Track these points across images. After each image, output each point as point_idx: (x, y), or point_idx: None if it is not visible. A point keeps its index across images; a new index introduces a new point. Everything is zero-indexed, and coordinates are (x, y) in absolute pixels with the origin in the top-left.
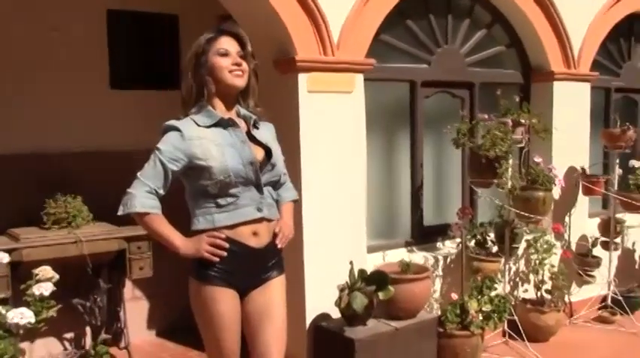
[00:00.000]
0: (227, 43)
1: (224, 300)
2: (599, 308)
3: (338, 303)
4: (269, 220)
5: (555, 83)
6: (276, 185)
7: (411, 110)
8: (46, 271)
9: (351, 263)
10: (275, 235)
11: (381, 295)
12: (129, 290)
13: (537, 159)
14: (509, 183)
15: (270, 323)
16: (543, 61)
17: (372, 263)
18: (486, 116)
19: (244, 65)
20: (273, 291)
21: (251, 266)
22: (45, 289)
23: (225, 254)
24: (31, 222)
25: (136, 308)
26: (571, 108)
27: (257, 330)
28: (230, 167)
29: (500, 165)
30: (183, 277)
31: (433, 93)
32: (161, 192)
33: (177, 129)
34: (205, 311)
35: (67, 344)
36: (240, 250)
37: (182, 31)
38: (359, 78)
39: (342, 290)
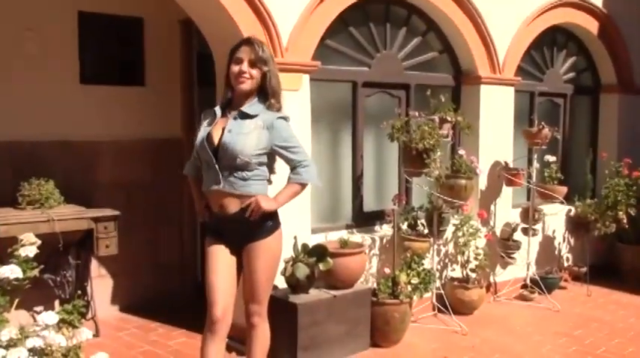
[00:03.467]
0: (243, 52)
1: (211, 248)
2: (521, 288)
3: (283, 273)
4: (235, 195)
5: (482, 86)
6: (238, 165)
7: (352, 108)
8: (29, 237)
9: (295, 238)
10: (244, 207)
11: (321, 266)
12: (95, 268)
13: (461, 152)
14: (436, 172)
15: (255, 273)
16: (472, 66)
17: (315, 242)
18: (417, 113)
19: (253, 71)
20: (261, 249)
21: (228, 228)
22: (30, 251)
23: (207, 217)
24: (7, 204)
25: (101, 285)
26: (496, 108)
27: (245, 278)
28: (197, 144)
29: (428, 156)
30: (147, 256)
31: (373, 93)
32: (198, 160)
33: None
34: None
35: (37, 316)
36: (214, 215)
37: (146, 33)
38: (305, 78)
39: (287, 261)
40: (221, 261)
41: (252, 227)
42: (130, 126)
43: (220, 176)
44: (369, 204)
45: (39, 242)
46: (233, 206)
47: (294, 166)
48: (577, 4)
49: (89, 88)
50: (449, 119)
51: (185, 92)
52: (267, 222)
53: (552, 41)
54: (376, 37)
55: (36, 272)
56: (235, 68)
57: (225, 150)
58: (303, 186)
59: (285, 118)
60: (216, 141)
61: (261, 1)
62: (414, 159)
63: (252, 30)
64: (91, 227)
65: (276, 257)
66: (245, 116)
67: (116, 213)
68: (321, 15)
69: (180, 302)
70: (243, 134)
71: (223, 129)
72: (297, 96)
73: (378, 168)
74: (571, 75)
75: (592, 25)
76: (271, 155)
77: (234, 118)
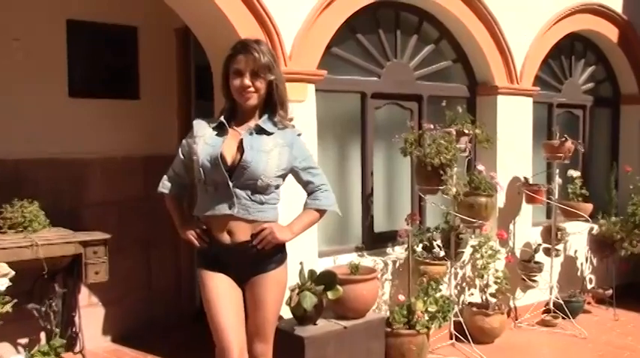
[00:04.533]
0: (241, 62)
1: (213, 282)
2: (543, 313)
3: (288, 303)
4: (248, 221)
5: (499, 97)
6: (257, 188)
7: (361, 120)
8: (1, 267)
9: (301, 263)
10: (254, 235)
11: (330, 295)
12: (85, 295)
13: (480, 167)
14: (454, 190)
15: (262, 310)
16: (488, 76)
17: (323, 267)
18: (432, 126)
19: (257, 83)
20: (269, 282)
21: (232, 259)
22: (1, 284)
23: (204, 244)
24: None
25: (91, 314)
26: (514, 121)
27: (250, 314)
28: (201, 161)
29: (445, 172)
30: (139, 283)
31: (383, 105)
32: (182, 178)
33: (193, 125)
34: (201, 290)
35: (20, 349)
36: (215, 243)
37: (141, 43)
38: (311, 88)
39: (292, 290)
40: (228, 297)
41: (260, 257)
42: (122, 141)
43: (235, 199)
44: (380, 225)
45: (12, 273)
46: (243, 233)
47: (312, 190)
48: (596, 10)
49: (78, 102)
50: (466, 132)
51: (182, 105)
52: (276, 254)
53: (570, 50)
54: (386, 44)
55: (8, 307)
56: (236, 82)
57: (245, 170)
58: (322, 213)
59: (300, 135)
60: (229, 158)
61: (263, 7)
62: (429, 176)
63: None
64: (78, 252)
65: (284, 289)
66: (262, 131)
67: (106, 236)
68: (327, 21)
69: (177, 330)
70: (264, 152)
71: (239, 147)
72: (302, 108)
73: (390, 185)
74: (590, 85)
75: (611, 33)
76: (284, 177)
77: (250, 133)
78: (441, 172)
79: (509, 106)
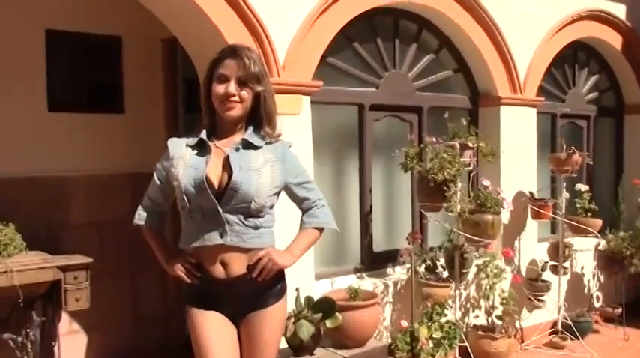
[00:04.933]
0: (227, 68)
1: (205, 323)
2: (550, 333)
3: (284, 332)
4: (243, 250)
5: (502, 108)
6: (251, 211)
7: (359, 134)
8: None
9: (297, 290)
10: (251, 266)
11: (328, 323)
12: (65, 322)
13: (486, 183)
14: (458, 207)
15: (260, 349)
16: (490, 86)
17: (320, 290)
18: (434, 139)
19: (243, 93)
20: (268, 318)
21: (227, 295)
22: None
23: (195, 280)
24: None
25: (72, 342)
26: (518, 132)
27: (245, 354)
28: (183, 187)
29: (448, 188)
30: (125, 309)
31: (382, 117)
32: (160, 206)
33: (168, 146)
34: (190, 332)
35: None
36: (208, 278)
37: (125, 54)
38: (305, 100)
39: (288, 318)
40: (222, 341)
41: (258, 290)
42: (105, 158)
43: (227, 226)
44: (380, 244)
45: None
46: (238, 265)
47: (308, 207)
48: (599, 18)
49: (58, 116)
50: (470, 145)
51: (169, 119)
52: (276, 285)
53: (573, 58)
54: (384, 54)
55: None
56: (220, 89)
57: (236, 192)
58: (321, 231)
59: (291, 146)
60: (215, 181)
61: (255, 14)
62: (431, 192)
63: None
64: (57, 278)
65: (283, 326)
66: (249, 146)
67: (88, 260)
68: (322, 29)
69: None
70: (254, 170)
71: (224, 166)
72: (296, 122)
73: (389, 202)
74: (594, 95)
75: (615, 40)
76: (278, 195)
77: (236, 149)
78: (445, 188)
79: (512, 117)
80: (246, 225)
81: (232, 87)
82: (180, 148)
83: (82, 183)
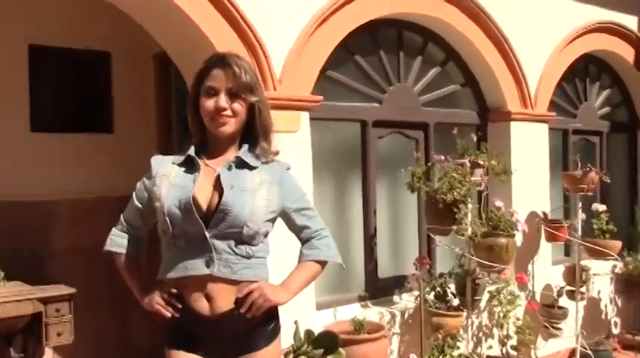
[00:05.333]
0: (215, 79)
1: None
2: None
3: None
4: (231, 281)
5: (513, 123)
6: (243, 237)
7: (362, 152)
8: None
9: (296, 323)
10: (240, 299)
11: None
12: (49, 356)
13: (498, 203)
14: (469, 230)
15: None
16: (500, 101)
17: (321, 321)
18: (442, 157)
19: (235, 106)
20: None
21: (212, 333)
22: None
23: (176, 313)
24: None
25: None
26: (530, 149)
27: None
28: (166, 207)
29: (458, 209)
30: (114, 341)
31: (386, 134)
32: (138, 230)
33: (151, 164)
34: None
35: None
36: (190, 314)
37: (114, 70)
38: (304, 116)
39: (286, 354)
40: None
41: (247, 329)
42: (93, 180)
43: (214, 254)
44: (386, 269)
45: None
46: (225, 298)
47: (308, 237)
48: (611, 29)
49: (42, 137)
50: (481, 163)
51: (162, 139)
52: (268, 324)
53: (584, 72)
54: (388, 67)
55: None
56: (209, 104)
57: (227, 215)
58: (323, 265)
59: (290, 169)
60: (204, 202)
61: (249, 24)
62: (440, 214)
63: None
64: (37, 310)
65: None
66: (243, 165)
67: (71, 290)
68: (322, 40)
69: None
70: (249, 191)
71: (215, 186)
72: (294, 140)
73: (395, 224)
74: (606, 110)
75: (627, 53)
76: (273, 222)
77: (229, 168)
78: (455, 210)
79: (523, 133)
80: (237, 254)
81: (223, 100)
82: (164, 166)
83: (67, 207)
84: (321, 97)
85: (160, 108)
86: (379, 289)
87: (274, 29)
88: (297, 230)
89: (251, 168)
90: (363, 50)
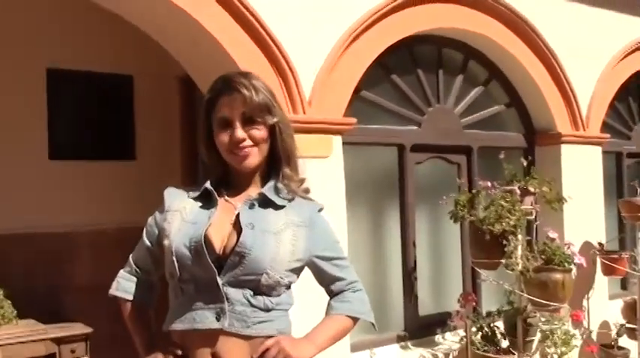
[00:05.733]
0: (225, 107)
1: None
2: None
3: None
4: (244, 337)
5: (563, 146)
6: (261, 287)
7: (400, 179)
8: None
9: None
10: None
11: None
12: None
13: (552, 234)
14: (520, 264)
15: None
16: (548, 122)
17: None
18: (489, 184)
19: (255, 132)
20: None
21: None
22: None
23: None
24: None
25: None
26: (582, 174)
27: None
28: (175, 248)
29: (508, 241)
30: None
31: (425, 159)
32: (149, 274)
33: (164, 197)
34: None
35: None
36: None
37: (137, 94)
38: (337, 141)
39: None
40: None
41: None
42: (114, 211)
43: (226, 305)
44: (427, 306)
45: None
46: (238, 357)
47: (339, 290)
48: None
49: (61, 165)
50: (532, 190)
51: (186, 166)
52: None
53: (638, 91)
54: (426, 87)
55: None
56: (224, 138)
57: (244, 258)
58: (355, 321)
59: (322, 210)
60: (218, 243)
61: (275, 40)
62: (487, 246)
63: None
64: (51, 351)
65: None
66: (268, 204)
67: (87, 330)
68: (355, 58)
69: None
70: (272, 233)
71: (234, 225)
72: (326, 166)
73: (436, 257)
74: None
75: None
76: (299, 272)
77: (250, 206)
78: (503, 241)
79: (575, 157)
80: (253, 305)
81: (239, 131)
82: (179, 199)
83: (87, 239)
84: (354, 120)
85: (184, 133)
86: (420, 328)
87: (303, 48)
88: (326, 281)
89: (277, 207)
90: (399, 68)
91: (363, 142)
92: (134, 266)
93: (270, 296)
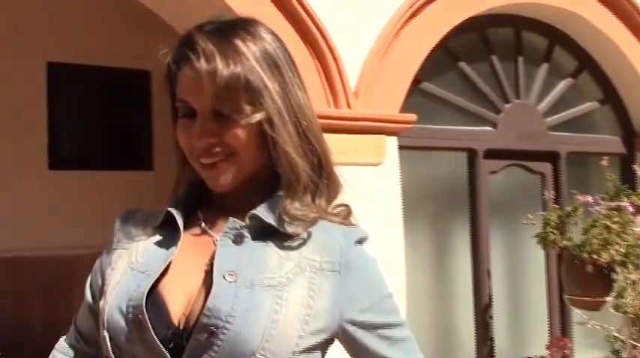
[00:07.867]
0: (188, 87)
1: None
2: None
3: None
4: None
5: None
6: None
7: (470, 191)
8: None
9: None
10: None
11: None
12: None
13: None
14: (634, 304)
15: None
16: None
17: None
18: (590, 198)
19: (226, 136)
20: None
21: None
22: None
23: None
24: None
25: None
26: None
27: None
28: (107, 315)
29: (616, 274)
30: None
31: (502, 168)
32: (92, 346)
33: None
34: None
35: None
36: None
37: (155, 92)
38: (391, 143)
39: None
40: None
41: None
42: None
43: None
44: (504, 349)
45: None
46: None
47: None
48: None
49: (63, 175)
50: None
51: None
52: None
53: None
54: (503, 78)
55: None
56: (183, 134)
57: (216, 339)
58: None
59: (363, 242)
60: (176, 308)
61: (315, 20)
62: (588, 280)
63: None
64: None
65: None
66: (265, 233)
67: None
68: (412, 40)
69: None
70: (267, 288)
71: (208, 272)
72: (377, 175)
73: (516, 289)
74: None
75: None
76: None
77: (235, 239)
78: (611, 274)
79: None
80: None
81: (199, 130)
82: (135, 230)
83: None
84: (414, 116)
85: None
86: None
87: (348, 28)
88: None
89: (282, 237)
90: (469, 55)
91: (424, 146)
92: (74, 332)
93: None
